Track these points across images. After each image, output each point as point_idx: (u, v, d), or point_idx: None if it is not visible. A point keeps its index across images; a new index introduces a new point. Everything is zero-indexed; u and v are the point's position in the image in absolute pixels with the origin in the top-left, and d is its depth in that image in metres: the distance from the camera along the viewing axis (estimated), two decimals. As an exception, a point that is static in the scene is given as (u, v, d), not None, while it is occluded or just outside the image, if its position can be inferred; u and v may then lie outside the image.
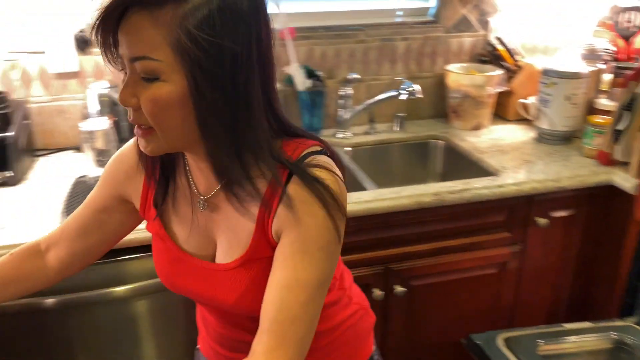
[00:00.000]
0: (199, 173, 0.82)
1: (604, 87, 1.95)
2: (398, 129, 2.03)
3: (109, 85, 1.69)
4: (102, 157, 1.56)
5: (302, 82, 1.87)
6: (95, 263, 1.04)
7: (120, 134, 1.71)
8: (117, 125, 1.69)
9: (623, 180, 1.61)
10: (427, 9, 2.07)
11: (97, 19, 0.67)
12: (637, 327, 1.58)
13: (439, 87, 2.12)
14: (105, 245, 0.97)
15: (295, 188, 0.73)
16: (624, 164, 1.66)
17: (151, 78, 0.68)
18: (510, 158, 1.76)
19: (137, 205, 0.91)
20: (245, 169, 0.72)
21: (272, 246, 0.78)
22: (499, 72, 1.97)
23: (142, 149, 0.76)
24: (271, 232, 0.77)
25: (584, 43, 1.98)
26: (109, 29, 0.68)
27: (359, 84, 2.01)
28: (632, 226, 1.60)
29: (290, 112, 1.98)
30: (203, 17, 0.65)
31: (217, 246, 0.84)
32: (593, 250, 1.78)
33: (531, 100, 1.99)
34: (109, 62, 0.72)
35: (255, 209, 0.77)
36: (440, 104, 2.15)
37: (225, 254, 0.82)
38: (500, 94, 2.03)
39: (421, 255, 1.58)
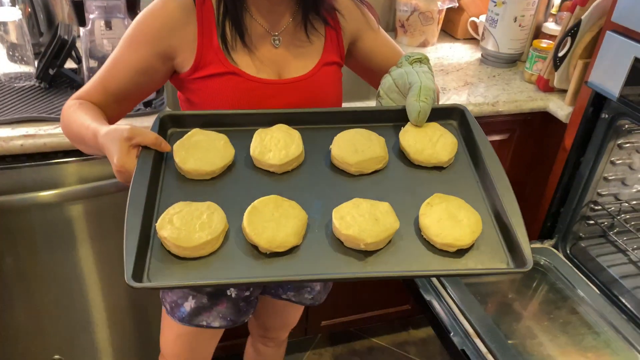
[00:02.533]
0: (269, 15, 1.00)
1: (554, 10, 1.91)
2: (343, 41, 1.95)
3: (22, -30, 1.52)
4: (15, 51, 1.43)
5: None
6: (26, 166, 1.19)
7: (38, 26, 1.57)
8: (33, 17, 1.54)
9: (557, 107, 1.62)
10: None
11: None
12: (553, 249, 1.65)
13: (389, -1, 2.03)
14: (137, 103, 1.06)
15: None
16: (561, 92, 1.66)
17: None
18: (452, 79, 1.72)
19: (188, 54, 0.97)
20: None
21: (341, 54, 1.08)
22: (451, -14, 1.89)
23: None
24: (342, 41, 1.07)
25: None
26: None
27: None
28: (560, 154, 1.63)
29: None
30: None
31: (283, 71, 1.02)
32: (522, 176, 1.83)
33: (482, 18, 1.94)
34: None
35: (321, 30, 1.05)
36: (389, 16, 2.06)
37: (296, 71, 1.02)
38: (450, 10, 1.96)
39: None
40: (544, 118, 1.67)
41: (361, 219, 0.74)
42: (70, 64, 1.47)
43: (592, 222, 1.66)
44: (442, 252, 0.75)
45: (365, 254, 0.74)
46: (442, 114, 0.96)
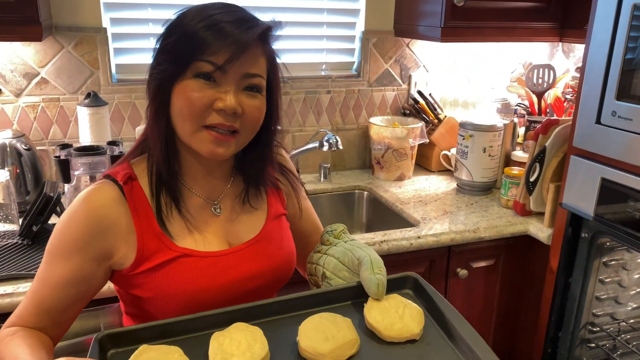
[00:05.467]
0: (205, 183, 0.96)
1: (519, 139, 2.02)
2: (323, 179, 2.02)
3: (12, 134, 1.59)
4: (1, 211, 1.45)
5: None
6: None
7: (25, 185, 1.61)
8: (21, 177, 1.59)
9: (538, 230, 1.64)
10: (351, 63, 2.11)
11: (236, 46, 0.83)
12: (558, 377, 1.57)
13: (363, 139, 2.14)
14: (78, 314, 0.93)
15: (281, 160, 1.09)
16: (539, 214, 1.70)
17: (257, 92, 0.88)
18: (432, 209, 1.77)
19: (127, 249, 0.88)
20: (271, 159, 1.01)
21: (283, 204, 1.07)
22: (419, 124, 2.01)
23: (217, 154, 0.87)
24: (283, 197, 1.07)
25: (499, 98, 2.06)
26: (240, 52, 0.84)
27: (284, 135, 1.99)
28: (548, 276, 1.62)
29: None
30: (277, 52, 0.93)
31: (231, 237, 0.97)
32: (514, 301, 1.80)
33: (453, 151, 2.04)
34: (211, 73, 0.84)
35: (263, 191, 1.03)
36: (365, 155, 2.17)
37: (246, 235, 0.98)
38: (423, 145, 2.07)
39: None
40: (527, 241, 1.69)
41: None
42: (55, 219, 1.49)
43: (593, 345, 1.60)
44: None
45: None
46: (396, 284, 0.93)
